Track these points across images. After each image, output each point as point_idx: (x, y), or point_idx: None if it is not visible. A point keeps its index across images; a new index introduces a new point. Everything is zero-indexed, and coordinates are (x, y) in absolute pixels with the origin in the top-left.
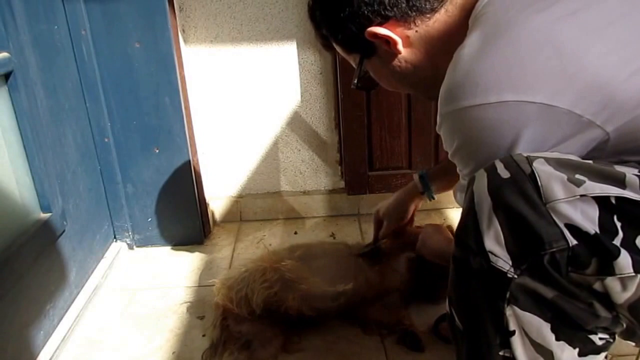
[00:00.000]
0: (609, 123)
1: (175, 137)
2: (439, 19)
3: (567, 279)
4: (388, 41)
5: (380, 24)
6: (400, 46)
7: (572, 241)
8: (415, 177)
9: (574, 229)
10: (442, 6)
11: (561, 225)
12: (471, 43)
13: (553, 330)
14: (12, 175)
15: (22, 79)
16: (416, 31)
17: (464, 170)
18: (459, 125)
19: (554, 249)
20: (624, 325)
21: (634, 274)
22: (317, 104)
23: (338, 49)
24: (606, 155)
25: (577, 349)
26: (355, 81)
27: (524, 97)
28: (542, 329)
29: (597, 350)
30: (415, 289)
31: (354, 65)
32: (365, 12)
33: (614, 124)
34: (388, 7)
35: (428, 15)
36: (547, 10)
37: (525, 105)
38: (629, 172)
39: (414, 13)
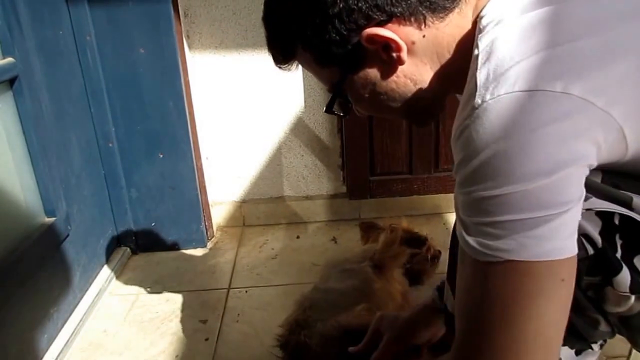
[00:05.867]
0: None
1: (180, 142)
2: (451, 22)
3: (582, 290)
4: (387, 47)
5: (380, 24)
6: (405, 54)
7: (590, 250)
8: (434, 292)
9: (590, 240)
10: (456, 5)
11: (580, 234)
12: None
13: None
14: (17, 180)
15: (27, 84)
16: (424, 36)
17: (478, 191)
18: (504, 115)
19: None
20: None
21: (629, 294)
22: (319, 109)
23: (306, 61)
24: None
25: (574, 349)
26: (327, 104)
27: (591, 97)
28: None
29: (594, 353)
30: None
31: (323, 84)
32: (364, 7)
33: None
34: (395, 1)
35: (441, 16)
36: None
37: (591, 107)
38: (636, 197)
39: (425, 10)
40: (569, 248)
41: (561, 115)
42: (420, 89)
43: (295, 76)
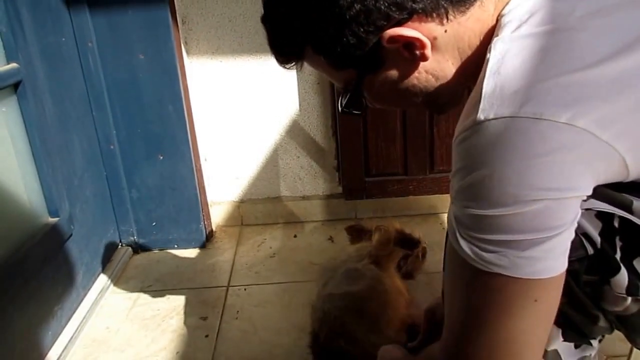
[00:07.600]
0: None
1: (179, 144)
2: (472, 16)
3: (581, 288)
4: (410, 45)
5: (400, 23)
6: (429, 50)
7: (590, 250)
8: None
9: (589, 239)
10: None
11: (579, 234)
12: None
13: (562, 335)
14: (21, 181)
15: (31, 88)
16: (445, 31)
17: (472, 208)
18: (505, 137)
19: (573, 258)
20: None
21: (625, 295)
22: (314, 112)
23: (317, 63)
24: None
25: (573, 344)
26: (345, 104)
27: (596, 129)
28: (553, 332)
29: (592, 348)
30: None
31: (337, 84)
32: (383, 7)
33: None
34: None
35: (462, 9)
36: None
37: (594, 139)
38: (636, 200)
39: (446, 4)
40: (559, 266)
41: (562, 146)
42: (442, 84)
43: (290, 79)
